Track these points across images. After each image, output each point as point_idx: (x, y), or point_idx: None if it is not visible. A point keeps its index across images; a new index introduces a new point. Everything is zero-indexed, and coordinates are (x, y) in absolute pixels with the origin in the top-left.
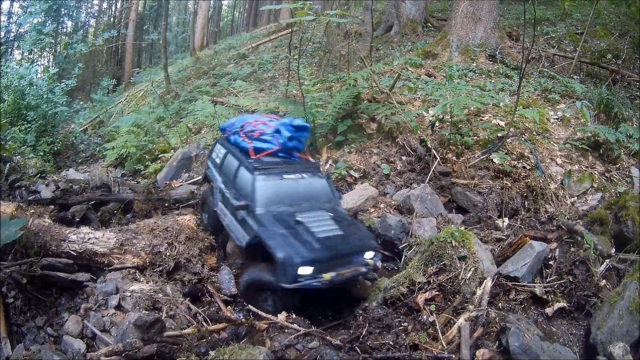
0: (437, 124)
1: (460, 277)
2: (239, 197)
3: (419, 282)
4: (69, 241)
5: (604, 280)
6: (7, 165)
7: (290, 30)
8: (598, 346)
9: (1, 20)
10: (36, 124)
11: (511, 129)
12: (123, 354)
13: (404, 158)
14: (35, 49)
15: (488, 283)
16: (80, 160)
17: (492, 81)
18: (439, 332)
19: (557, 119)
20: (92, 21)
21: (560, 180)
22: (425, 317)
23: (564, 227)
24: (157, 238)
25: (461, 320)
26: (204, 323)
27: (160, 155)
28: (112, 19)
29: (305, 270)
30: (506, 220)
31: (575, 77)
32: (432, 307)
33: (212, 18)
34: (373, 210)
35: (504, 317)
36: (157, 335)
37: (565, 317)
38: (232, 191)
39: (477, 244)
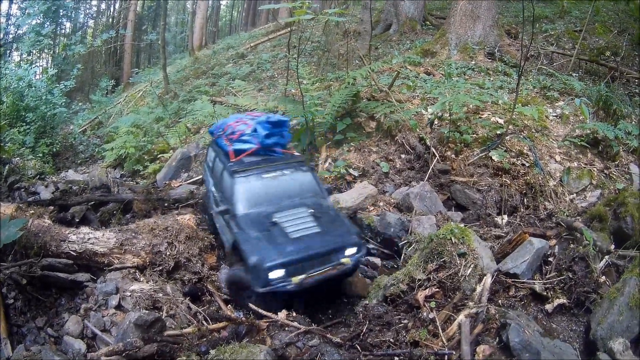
0: (436, 122)
1: (460, 274)
2: (223, 201)
3: (419, 279)
4: (69, 241)
5: (604, 277)
6: (7, 167)
7: (289, 29)
8: (598, 342)
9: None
10: (35, 125)
11: (510, 127)
12: (124, 354)
13: (403, 156)
14: (34, 51)
15: (488, 280)
16: (79, 161)
17: (491, 79)
18: (439, 328)
19: (556, 116)
20: (91, 22)
21: (559, 177)
22: (425, 314)
23: (563, 224)
24: (157, 237)
25: (461, 317)
26: (204, 322)
27: (159, 156)
28: (110, 20)
29: (276, 274)
30: (505, 217)
31: (574, 74)
32: (432, 304)
33: (211, 18)
34: (372, 208)
35: (504, 313)
36: (157, 335)
37: (565, 313)
38: (220, 194)
39: (477, 241)
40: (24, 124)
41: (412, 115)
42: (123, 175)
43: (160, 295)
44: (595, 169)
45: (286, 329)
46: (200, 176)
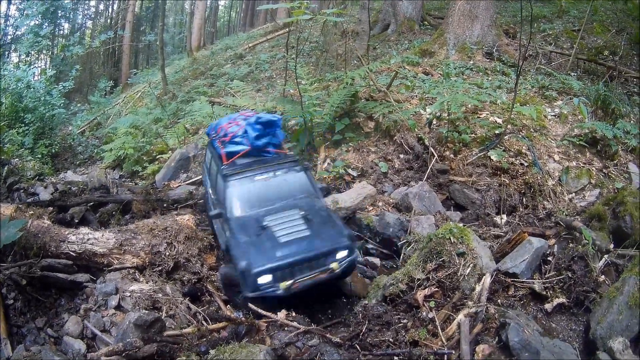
0: (434, 121)
1: (459, 274)
2: (217, 204)
3: (418, 279)
4: (69, 242)
5: (603, 276)
6: (5, 168)
7: (287, 29)
8: (598, 341)
9: None
10: (34, 126)
11: (509, 126)
12: (123, 354)
13: (401, 156)
14: (33, 52)
15: (487, 279)
16: (78, 162)
17: (490, 79)
18: (439, 328)
19: (555, 115)
20: (89, 23)
21: (558, 176)
22: (424, 313)
23: (562, 224)
24: (157, 238)
25: (460, 317)
26: (203, 322)
27: (158, 156)
28: (108, 21)
29: (265, 279)
30: (504, 217)
31: (573, 73)
32: (432, 304)
33: (209, 18)
34: (371, 208)
35: (503, 313)
36: (157, 335)
37: (565, 312)
38: (215, 197)
39: (476, 241)
40: (23, 125)
41: (411, 115)
42: (122, 176)
43: (160, 295)
44: (594, 168)
45: (286, 328)
46: (199, 177)
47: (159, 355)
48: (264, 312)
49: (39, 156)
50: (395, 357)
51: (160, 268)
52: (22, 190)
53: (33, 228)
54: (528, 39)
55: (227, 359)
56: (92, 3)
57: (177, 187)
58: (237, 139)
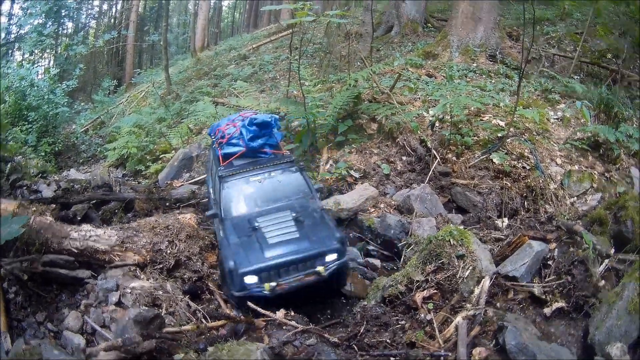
0: (437, 124)
1: (458, 276)
2: (215, 204)
3: (417, 281)
4: (71, 238)
5: (603, 281)
6: (9, 165)
7: (290, 31)
8: (596, 346)
9: (2, 21)
10: (37, 124)
11: (511, 129)
12: (122, 349)
13: (404, 158)
14: (36, 50)
15: (486, 282)
16: (81, 161)
17: (493, 81)
18: (436, 330)
19: (557, 119)
20: (93, 22)
21: (560, 180)
22: (422, 315)
23: (563, 227)
24: (158, 236)
25: (459, 319)
26: (203, 320)
27: (161, 156)
28: (112, 20)
29: (251, 280)
30: (506, 220)
31: (576, 77)
32: (430, 306)
33: (213, 19)
34: (373, 210)
35: (501, 316)
36: (156, 331)
37: (564, 317)
38: (213, 197)
39: (476, 243)
40: (27, 123)
41: (414, 118)
42: (125, 175)
43: (160, 292)
44: (596, 172)
45: (284, 327)
46: (202, 176)
47: (157, 351)
48: (262, 311)
49: (42, 154)
50: (392, 358)
51: (161, 266)
52: (25, 188)
53: (35, 224)
54: (531, 41)
55: (225, 357)
56: (96, 3)
57: (179, 186)
58: (233, 141)
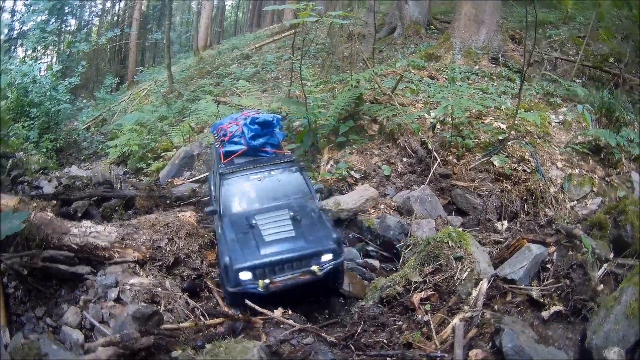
0: (438, 126)
1: (455, 278)
2: (215, 201)
3: (415, 282)
4: (71, 234)
5: (602, 285)
6: (10, 161)
7: (293, 31)
8: (593, 350)
9: (5, 18)
10: (39, 120)
11: (512, 132)
12: (120, 345)
13: (404, 159)
14: (39, 47)
15: (484, 284)
16: (82, 158)
17: (494, 84)
18: (433, 331)
19: (559, 122)
20: (96, 20)
21: (561, 184)
22: (420, 316)
23: (562, 231)
24: (158, 233)
25: (456, 321)
26: (201, 317)
27: (162, 154)
28: (115, 18)
29: (245, 276)
30: (505, 223)
31: (578, 80)
32: (427, 307)
33: (216, 18)
34: (373, 211)
35: (499, 318)
36: (154, 328)
37: (562, 320)
38: (214, 194)
39: (475, 246)
40: (28, 119)
41: (415, 119)
42: (126, 172)
43: (159, 289)
44: (596, 176)
45: (281, 326)
46: (203, 175)
47: (155, 347)
48: (260, 310)
49: (44, 150)
50: (389, 358)
51: (160, 263)
52: (26, 183)
53: (36, 220)
54: (533, 44)
55: (222, 354)
56: (99, 0)
57: (180, 184)
58: (235, 139)
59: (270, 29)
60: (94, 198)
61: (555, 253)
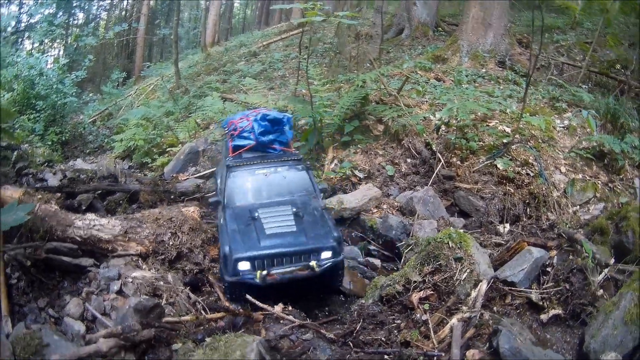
0: (443, 127)
1: (455, 278)
2: (219, 193)
3: (415, 281)
4: (75, 227)
5: (601, 290)
6: (15, 153)
7: (301, 30)
8: (591, 355)
9: (13, 10)
10: (45, 113)
11: (517, 136)
12: (121, 337)
13: (408, 160)
14: (46, 40)
15: (483, 285)
16: (88, 151)
17: (501, 87)
18: (431, 330)
19: (563, 127)
20: (104, 14)
21: (564, 188)
22: (418, 315)
23: (564, 235)
24: (161, 227)
25: (454, 320)
26: (202, 311)
27: (167, 149)
28: (123, 13)
29: (244, 266)
30: (507, 226)
31: (583, 86)
32: (426, 306)
33: (224, 15)
34: (376, 210)
35: (497, 320)
36: (155, 321)
37: (560, 324)
38: (220, 187)
39: (475, 247)
40: (34, 111)
41: (420, 120)
42: (131, 167)
43: (161, 283)
44: (599, 182)
45: (281, 322)
46: (207, 170)
47: (156, 340)
48: (261, 305)
49: (49, 143)
50: (386, 356)
51: (163, 257)
52: (30, 176)
53: (40, 212)
54: (540, 49)
55: (222, 347)
56: None
57: (185, 179)
58: (245, 134)
59: (278, 27)
60: (99, 191)
61: (556, 257)
